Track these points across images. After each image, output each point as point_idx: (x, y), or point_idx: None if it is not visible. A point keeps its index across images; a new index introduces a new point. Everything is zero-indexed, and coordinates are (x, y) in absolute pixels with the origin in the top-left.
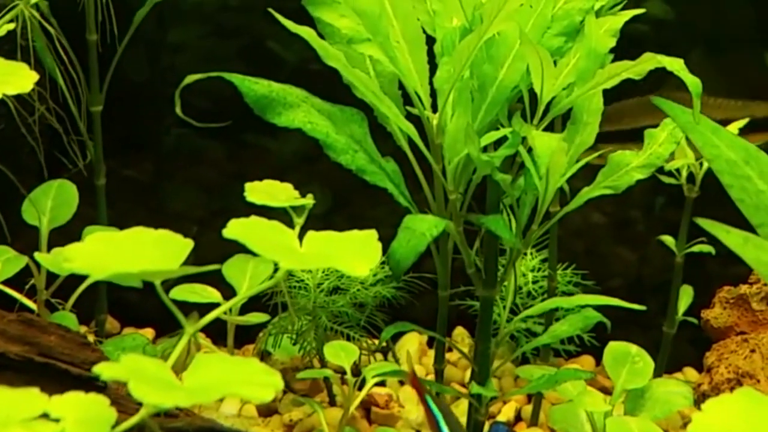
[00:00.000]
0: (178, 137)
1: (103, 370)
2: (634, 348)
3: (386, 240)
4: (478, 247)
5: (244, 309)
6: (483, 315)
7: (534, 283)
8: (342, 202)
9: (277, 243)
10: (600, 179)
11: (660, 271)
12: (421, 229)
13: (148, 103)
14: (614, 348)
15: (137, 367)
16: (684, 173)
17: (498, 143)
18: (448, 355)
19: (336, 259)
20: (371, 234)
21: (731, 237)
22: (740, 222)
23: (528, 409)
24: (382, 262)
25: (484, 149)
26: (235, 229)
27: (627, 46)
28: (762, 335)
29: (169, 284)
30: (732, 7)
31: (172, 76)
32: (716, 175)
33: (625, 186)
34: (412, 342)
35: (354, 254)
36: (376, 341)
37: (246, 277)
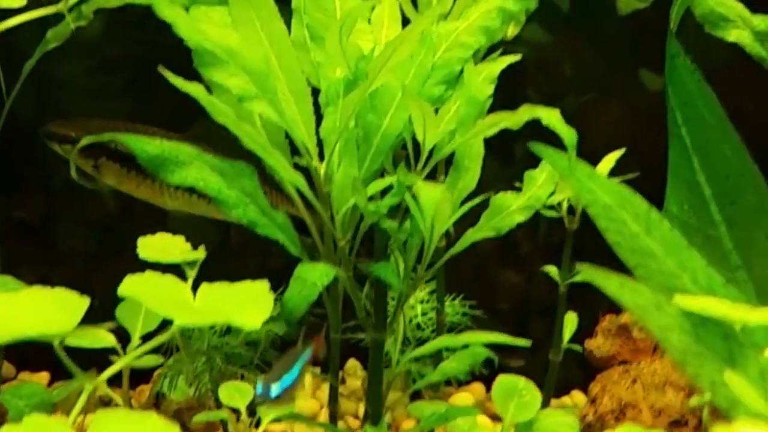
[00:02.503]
0: (66, 175)
1: None
2: (521, 381)
3: None
4: (367, 290)
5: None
6: (374, 357)
7: (423, 315)
8: None
9: (171, 298)
10: (483, 221)
11: (547, 293)
12: (312, 278)
13: (35, 141)
14: (502, 382)
15: (40, 427)
16: (564, 205)
17: (384, 189)
18: (341, 388)
19: (229, 314)
20: (263, 284)
21: (609, 283)
22: None
23: None
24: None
25: (371, 197)
26: (129, 286)
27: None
28: (642, 365)
29: None
30: (609, 28)
31: (57, 112)
32: (592, 219)
33: (507, 228)
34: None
35: (247, 306)
36: None
37: (140, 319)
